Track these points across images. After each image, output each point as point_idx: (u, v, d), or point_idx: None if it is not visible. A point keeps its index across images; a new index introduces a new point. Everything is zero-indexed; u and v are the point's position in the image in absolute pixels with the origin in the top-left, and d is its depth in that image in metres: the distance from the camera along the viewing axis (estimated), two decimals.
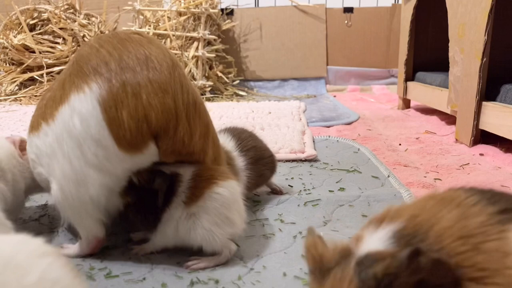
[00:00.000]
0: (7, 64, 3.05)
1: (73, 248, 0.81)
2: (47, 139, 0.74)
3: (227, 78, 3.18)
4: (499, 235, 0.42)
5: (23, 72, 2.99)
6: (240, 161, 1.00)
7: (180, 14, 3.09)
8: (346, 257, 0.44)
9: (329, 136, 1.74)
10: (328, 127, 1.99)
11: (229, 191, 0.77)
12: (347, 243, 0.47)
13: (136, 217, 0.77)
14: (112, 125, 0.68)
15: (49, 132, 0.73)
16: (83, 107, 0.68)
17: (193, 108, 0.74)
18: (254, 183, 1.03)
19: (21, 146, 0.88)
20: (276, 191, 1.11)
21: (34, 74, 2.96)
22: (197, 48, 3.02)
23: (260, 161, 1.04)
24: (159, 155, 0.73)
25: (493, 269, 0.40)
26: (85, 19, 3.16)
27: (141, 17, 3.14)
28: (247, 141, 1.05)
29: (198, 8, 3.04)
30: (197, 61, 3.00)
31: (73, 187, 0.72)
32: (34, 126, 0.79)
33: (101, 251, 0.82)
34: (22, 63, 2.96)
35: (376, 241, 0.45)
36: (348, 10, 3.46)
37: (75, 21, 3.08)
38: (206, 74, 3.05)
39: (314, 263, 0.45)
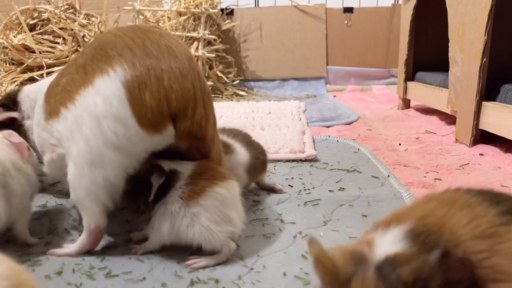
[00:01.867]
0: (7, 64, 3.04)
1: (73, 246, 0.81)
2: (67, 123, 0.76)
3: (227, 78, 3.18)
4: (509, 236, 0.42)
5: (23, 72, 2.99)
6: (243, 155, 1.02)
7: (180, 14, 3.08)
8: (361, 264, 0.42)
9: (329, 136, 1.74)
10: (328, 127, 1.99)
11: (229, 191, 0.78)
12: (355, 248, 0.45)
13: (131, 207, 0.79)
14: (134, 104, 0.71)
15: (68, 116, 0.76)
16: (107, 88, 0.72)
17: (207, 96, 0.79)
18: (249, 178, 1.06)
19: (21, 148, 0.88)
20: (273, 189, 1.12)
21: (34, 74, 2.95)
22: (197, 48, 3.02)
23: (256, 158, 1.07)
24: (176, 137, 0.76)
25: (510, 272, 0.40)
26: (85, 19, 3.16)
27: (141, 17, 3.14)
28: (245, 137, 1.10)
29: (198, 8, 3.04)
30: (197, 61, 3.00)
31: (88, 168, 0.74)
32: (53, 112, 0.81)
33: (101, 251, 0.82)
34: (22, 63, 2.96)
35: (389, 243, 0.43)
36: (348, 10, 3.46)
37: (75, 21, 3.08)
38: (206, 74, 3.05)
39: (330, 276, 0.43)
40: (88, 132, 0.72)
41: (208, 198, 0.75)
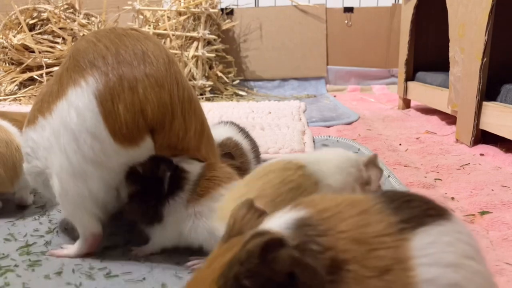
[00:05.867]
0: (7, 64, 3.04)
1: (72, 248, 0.80)
2: (44, 133, 0.74)
3: (227, 78, 3.18)
4: (396, 244, 0.42)
5: (23, 72, 2.99)
6: (251, 156, 1.02)
7: (180, 13, 3.08)
8: (248, 230, 0.44)
9: (329, 136, 1.74)
10: (328, 127, 1.98)
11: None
12: (260, 217, 0.47)
13: (138, 209, 0.76)
14: (108, 118, 0.68)
15: (46, 126, 0.74)
16: (79, 100, 0.69)
17: (188, 104, 0.74)
18: None
19: None
20: None
21: (34, 74, 2.95)
22: (197, 48, 3.02)
23: (258, 158, 1.07)
24: (155, 149, 0.73)
25: (383, 268, 0.41)
26: (84, 18, 3.16)
27: (141, 16, 3.14)
28: (249, 136, 1.09)
29: (198, 8, 3.04)
30: (197, 61, 3.00)
31: (71, 181, 0.72)
32: (31, 120, 0.79)
33: (101, 251, 0.81)
34: (22, 63, 2.96)
35: (277, 221, 0.44)
36: (348, 10, 3.46)
37: (74, 20, 3.08)
38: (206, 74, 3.05)
39: (227, 227, 0.46)
40: (66, 146, 0.70)
41: (214, 200, 0.74)
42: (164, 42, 3.06)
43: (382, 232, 0.43)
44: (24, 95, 2.90)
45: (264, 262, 0.38)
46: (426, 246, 0.43)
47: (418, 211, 0.46)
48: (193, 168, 0.77)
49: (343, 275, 0.40)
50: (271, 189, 0.66)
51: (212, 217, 0.71)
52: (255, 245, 0.38)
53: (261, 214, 0.48)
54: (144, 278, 0.72)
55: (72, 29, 3.00)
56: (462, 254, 0.44)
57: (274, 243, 0.38)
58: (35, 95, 2.88)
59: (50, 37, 3.03)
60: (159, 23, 3.10)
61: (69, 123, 0.69)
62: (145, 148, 0.72)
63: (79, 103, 0.69)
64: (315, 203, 0.47)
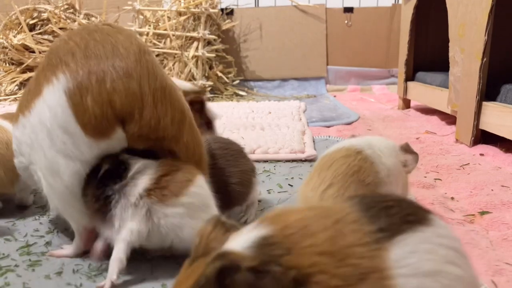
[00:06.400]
0: (7, 64, 3.05)
1: (70, 248, 0.81)
2: (25, 130, 0.76)
3: (227, 78, 3.18)
4: (371, 254, 0.41)
5: (23, 72, 2.99)
6: None
7: (180, 14, 3.08)
8: (214, 249, 0.43)
9: (329, 136, 1.74)
10: (328, 127, 1.98)
11: (203, 188, 0.76)
12: (224, 235, 0.46)
13: (87, 204, 0.74)
14: (77, 112, 0.69)
15: (26, 124, 0.75)
16: (51, 97, 0.70)
17: (161, 93, 0.74)
18: None
19: None
20: None
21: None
22: (197, 48, 3.02)
23: None
24: (127, 140, 0.73)
25: (357, 277, 0.40)
26: (85, 19, 3.16)
27: (141, 17, 3.14)
28: None
29: (198, 8, 3.04)
30: (197, 61, 3.00)
31: (50, 177, 0.73)
32: (15, 118, 0.81)
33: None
34: (22, 63, 2.96)
35: (241, 241, 0.43)
36: (348, 10, 3.46)
37: (75, 21, 3.08)
38: (206, 74, 3.05)
39: (193, 247, 0.45)
40: (42, 142, 0.72)
41: (187, 197, 0.73)
42: (164, 42, 3.06)
43: (356, 243, 0.42)
44: None
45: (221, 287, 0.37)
46: (404, 255, 0.42)
47: (397, 219, 0.44)
48: (141, 166, 0.74)
49: (311, 287, 0.39)
50: (341, 176, 0.76)
51: (167, 221, 0.71)
52: (212, 271, 0.38)
53: (227, 230, 0.46)
54: (144, 279, 0.72)
55: (72, 29, 3.00)
56: (443, 260, 0.43)
57: (230, 268, 0.37)
58: None
59: (50, 37, 3.03)
60: (159, 23, 3.11)
61: (44, 120, 0.71)
62: (117, 140, 0.72)
63: (51, 99, 0.70)
64: (280, 219, 0.45)
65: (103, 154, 0.73)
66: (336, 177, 0.76)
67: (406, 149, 0.86)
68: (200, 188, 0.75)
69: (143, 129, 0.72)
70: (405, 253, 0.42)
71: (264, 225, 0.45)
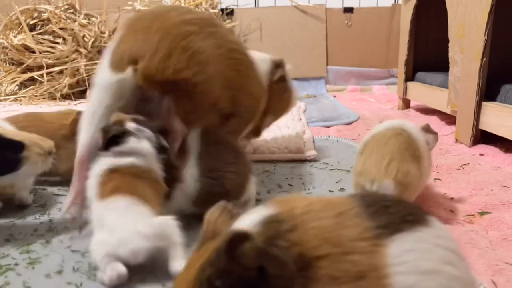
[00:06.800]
0: (7, 64, 3.04)
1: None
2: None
3: None
4: (371, 249, 0.42)
5: (23, 72, 2.99)
6: None
7: None
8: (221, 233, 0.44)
9: (329, 136, 1.74)
10: (328, 127, 1.99)
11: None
12: (231, 220, 0.48)
13: None
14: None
15: None
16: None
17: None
18: None
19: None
20: None
21: (34, 74, 2.95)
22: None
23: None
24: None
25: (357, 274, 0.40)
26: (85, 19, 3.16)
27: None
28: None
29: (198, 8, 3.04)
30: None
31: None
32: None
33: None
34: (22, 63, 2.96)
35: (247, 220, 0.44)
36: (348, 10, 3.46)
37: (75, 21, 3.08)
38: None
39: (201, 233, 0.47)
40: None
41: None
42: None
43: (358, 237, 0.42)
44: (24, 95, 2.90)
45: (232, 259, 0.38)
46: (403, 253, 0.42)
47: (396, 217, 0.45)
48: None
49: (315, 271, 0.40)
50: (398, 152, 0.86)
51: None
52: (221, 244, 0.38)
53: (234, 216, 0.48)
54: (144, 278, 0.72)
55: (72, 29, 3.00)
56: (440, 260, 0.43)
57: (238, 238, 0.38)
58: (35, 95, 2.89)
59: (50, 37, 3.03)
60: None
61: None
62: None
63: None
64: (287, 202, 0.47)
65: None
66: (394, 152, 0.86)
67: (427, 129, 0.98)
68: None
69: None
70: (403, 250, 0.43)
71: (271, 206, 0.46)
